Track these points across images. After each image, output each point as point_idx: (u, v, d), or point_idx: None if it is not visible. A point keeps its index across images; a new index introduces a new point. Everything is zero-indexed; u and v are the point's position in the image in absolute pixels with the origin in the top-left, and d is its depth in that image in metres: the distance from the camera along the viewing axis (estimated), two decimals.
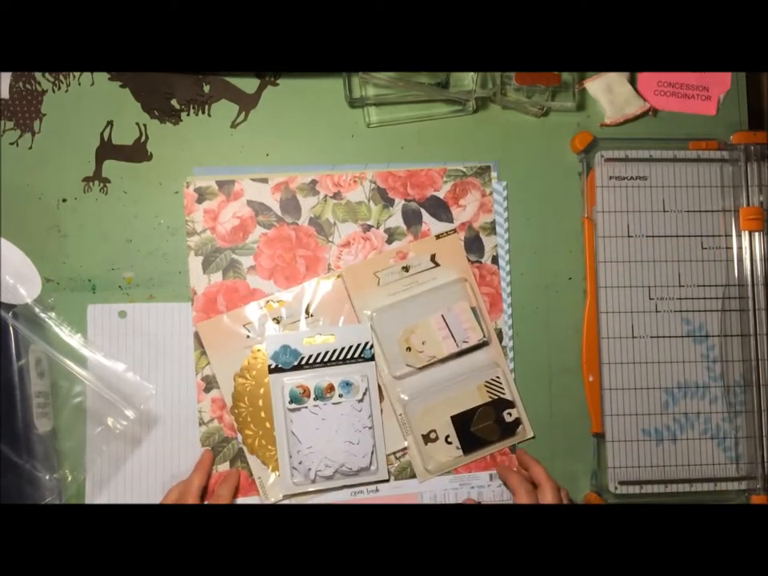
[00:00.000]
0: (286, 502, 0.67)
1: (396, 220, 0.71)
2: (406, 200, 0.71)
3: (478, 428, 0.68)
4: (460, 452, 0.68)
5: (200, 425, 0.67)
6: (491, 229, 0.71)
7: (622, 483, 0.69)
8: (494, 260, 0.71)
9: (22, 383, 0.61)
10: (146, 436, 0.67)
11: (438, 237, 0.71)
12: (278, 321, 0.68)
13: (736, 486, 0.70)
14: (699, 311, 0.72)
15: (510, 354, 0.71)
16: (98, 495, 0.66)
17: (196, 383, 0.67)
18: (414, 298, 0.69)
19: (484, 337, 0.69)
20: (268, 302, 0.68)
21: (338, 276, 0.69)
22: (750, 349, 0.71)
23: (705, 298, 0.72)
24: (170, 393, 0.67)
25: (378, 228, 0.70)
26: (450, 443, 0.68)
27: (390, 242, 0.70)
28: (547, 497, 0.62)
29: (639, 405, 0.70)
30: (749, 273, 0.72)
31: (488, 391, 0.69)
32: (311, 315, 0.68)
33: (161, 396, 0.67)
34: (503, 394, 0.69)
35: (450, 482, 0.69)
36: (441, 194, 0.71)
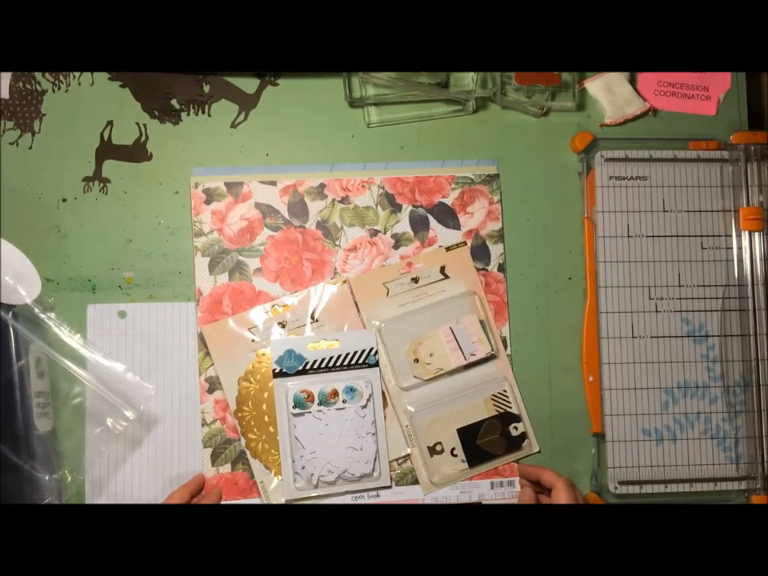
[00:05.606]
0: None
1: (403, 225, 0.70)
2: (413, 206, 0.71)
3: (484, 441, 0.68)
4: (465, 465, 0.68)
5: (202, 425, 0.67)
6: (498, 236, 0.71)
7: (621, 483, 0.69)
8: (500, 268, 0.71)
9: (22, 383, 0.61)
10: (145, 437, 0.66)
11: (448, 249, 0.70)
12: (283, 325, 0.68)
13: (736, 485, 0.70)
14: (699, 311, 0.72)
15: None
16: (97, 496, 0.65)
17: (199, 384, 0.67)
18: (423, 309, 0.69)
19: (492, 350, 0.68)
20: (273, 306, 0.68)
21: (344, 282, 0.69)
22: (750, 349, 0.71)
23: (705, 298, 0.72)
24: (170, 393, 0.67)
25: (384, 233, 0.70)
26: (455, 456, 0.68)
27: (396, 247, 0.70)
28: (565, 493, 0.61)
29: (639, 405, 0.70)
30: (749, 273, 0.71)
31: (495, 405, 0.69)
32: (316, 320, 0.68)
33: (161, 396, 0.67)
34: (510, 407, 0.69)
35: (450, 489, 0.68)
36: (448, 201, 0.71)
